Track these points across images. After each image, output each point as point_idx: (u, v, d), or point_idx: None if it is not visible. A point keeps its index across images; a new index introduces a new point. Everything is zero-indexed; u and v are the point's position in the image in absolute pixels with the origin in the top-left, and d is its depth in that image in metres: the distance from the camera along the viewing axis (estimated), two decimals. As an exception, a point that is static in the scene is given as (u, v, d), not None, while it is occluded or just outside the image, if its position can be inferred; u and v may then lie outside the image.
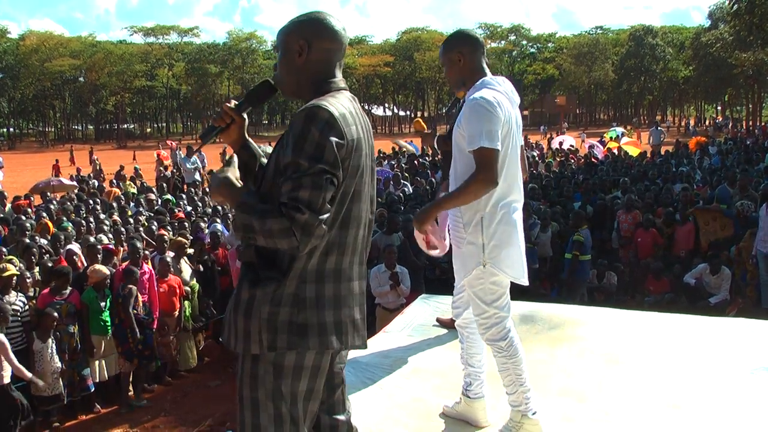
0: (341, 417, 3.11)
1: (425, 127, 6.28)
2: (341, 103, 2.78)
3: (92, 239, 11.46)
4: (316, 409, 2.93)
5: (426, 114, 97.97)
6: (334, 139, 2.65)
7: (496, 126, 3.70)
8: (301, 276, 2.76)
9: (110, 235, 12.30)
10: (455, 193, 3.81)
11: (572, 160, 27.14)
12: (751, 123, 69.84)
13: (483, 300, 3.92)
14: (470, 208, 3.83)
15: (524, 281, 3.95)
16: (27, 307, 8.93)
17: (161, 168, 32.01)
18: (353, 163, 2.75)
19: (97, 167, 34.26)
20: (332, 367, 3.00)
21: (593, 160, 26.45)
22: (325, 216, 2.64)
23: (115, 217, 14.93)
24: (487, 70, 4.01)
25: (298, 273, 2.75)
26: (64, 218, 14.70)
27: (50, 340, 8.77)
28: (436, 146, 6.03)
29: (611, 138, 37.74)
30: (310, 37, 2.91)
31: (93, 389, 9.40)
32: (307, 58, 2.92)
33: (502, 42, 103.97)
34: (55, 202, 18.33)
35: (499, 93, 3.83)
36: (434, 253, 4.17)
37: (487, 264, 3.83)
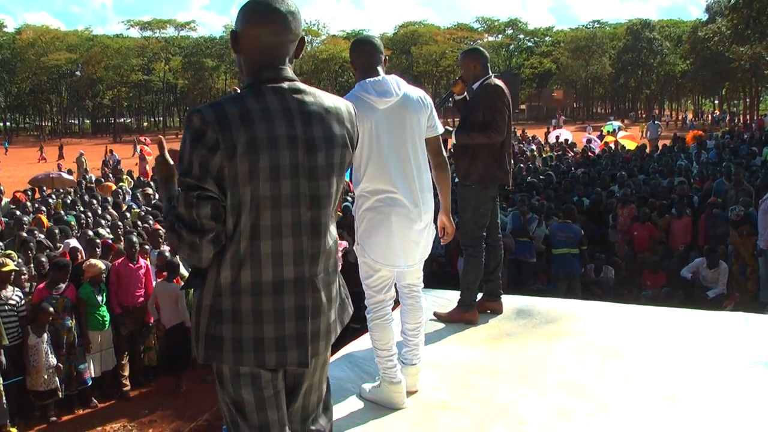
0: (296, 424, 2.92)
1: (464, 90, 6.25)
2: (237, 102, 2.56)
3: (91, 233, 11.46)
4: (278, 418, 2.75)
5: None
6: (202, 149, 2.49)
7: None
8: (216, 288, 2.64)
9: (108, 230, 12.28)
10: None
11: (569, 154, 27.13)
12: (748, 117, 69.84)
13: (361, 275, 4.38)
14: (359, 196, 4.25)
15: (398, 266, 4.30)
16: (23, 301, 8.92)
17: (144, 163, 32.07)
18: (241, 169, 2.50)
19: (84, 166, 34.09)
20: (297, 376, 2.87)
21: (590, 154, 26.45)
22: (209, 234, 2.55)
23: (112, 211, 14.93)
24: (380, 71, 4.29)
25: (212, 285, 2.65)
26: (62, 212, 14.71)
27: (45, 335, 8.77)
28: (455, 140, 6.04)
29: (608, 132, 37.75)
30: (238, 26, 2.72)
31: (90, 383, 9.40)
32: (240, 50, 2.74)
33: (500, 36, 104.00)
34: (53, 196, 18.35)
35: (363, 91, 4.16)
36: None
37: (359, 245, 4.29)
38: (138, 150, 39.53)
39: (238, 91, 2.71)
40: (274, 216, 2.59)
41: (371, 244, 4.21)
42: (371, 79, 4.22)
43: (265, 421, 2.73)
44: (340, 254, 4.23)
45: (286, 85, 2.67)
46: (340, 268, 2.98)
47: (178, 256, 9.96)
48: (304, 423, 2.93)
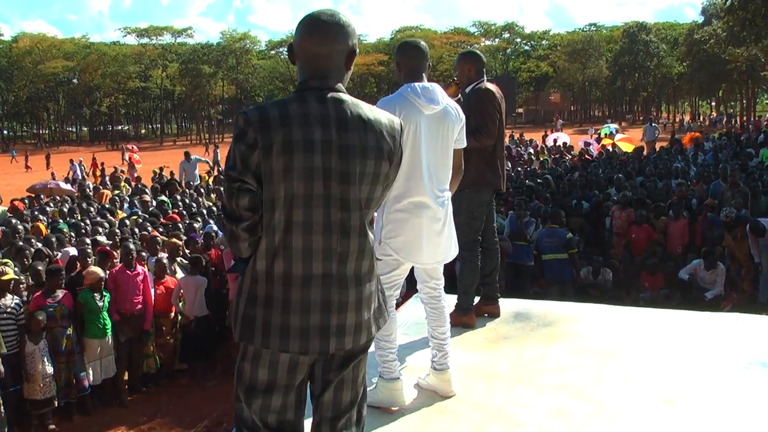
0: (325, 420, 3.02)
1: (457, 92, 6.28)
2: (279, 105, 2.77)
3: (88, 241, 11.46)
4: (281, 404, 2.91)
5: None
6: (242, 145, 2.71)
7: None
8: (253, 275, 2.84)
9: (104, 237, 12.27)
10: None
11: (567, 158, 27.14)
12: (744, 118, 69.93)
13: (378, 272, 4.25)
14: (389, 199, 4.24)
15: (424, 263, 4.44)
16: (22, 309, 8.92)
17: (133, 171, 32.14)
18: (277, 167, 2.69)
19: (79, 171, 34.10)
20: (326, 366, 2.98)
21: (587, 157, 26.46)
22: (245, 222, 2.77)
23: (110, 218, 14.93)
24: (423, 77, 4.44)
25: (251, 272, 2.85)
26: (61, 220, 14.72)
27: (42, 343, 8.76)
28: None
29: (605, 135, 37.76)
30: (294, 41, 2.94)
31: (89, 390, 9.40)
32: (295, 60, 2.95)
33: (496, 40, 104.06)
34: (51, 204, 18.34)
35: (398, 100, 4.26)
36: None
37: (382, 242, 4.26)
38: (127, 158, 39.57)
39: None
40: (306, 214, 2.76)
41: (397, 242, 4.27)
42: (420, 84, 4.35)
43: (267, 405, 2.90)
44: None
45: (328, 93, 2.84)
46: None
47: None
48: (334, 421, 3.03)
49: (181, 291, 10.79)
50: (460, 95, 6.03)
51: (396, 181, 4.04)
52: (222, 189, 2.81)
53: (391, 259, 4.30)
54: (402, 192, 4.21)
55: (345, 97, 2.88)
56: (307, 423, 3.04)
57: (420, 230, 4.27)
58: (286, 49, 3.04)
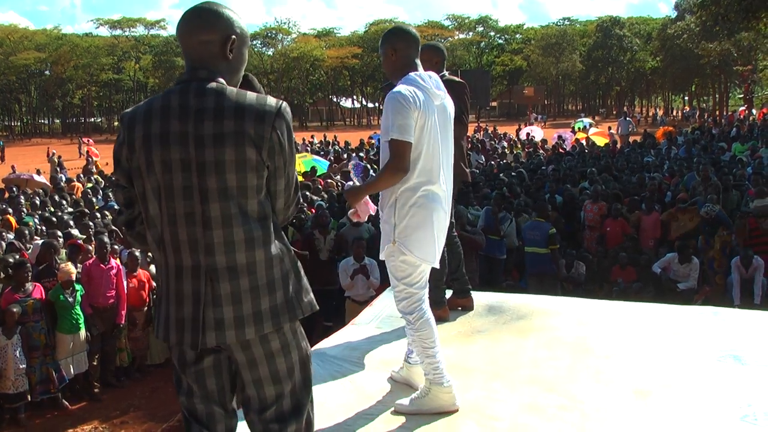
0: (256, 415, 3.02)
1: None
2: (147, 101, 2.88)
3: (60, 234, 11.38)
4: (198, 388, 3.02)
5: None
6: (115, 144, 2.87)
7: (407, 119, 3.95)
8: (157, 267, 3.02)
9: (77, 231, 12.18)
10: (372, 180, 4.27)
11: (540, 151, 27.25)
12: (717, 113, 70.48)
13: (395, 275, 4.27)
14: (388, 191, 4.14)
15: (432, 263, 4.26)
16: (-8, 303, 8.85)
17: (89, 165, 32.05)
18: (140, 162, 2.78)
19: (56, 163, 33.86)
20: (231, 362, 3.03)
21: (561, 150, 26.58)
22: (123, 216, 2.99)
23: (84, 210, 14.81)
24: (419, 66, 4.27)
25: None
26: (29, 213, 14.62)
27: (15, 337, 8.70)
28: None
29: (579, 129, 37.94)
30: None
31: (67, 381, 9.40)
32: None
33: (470, 33, 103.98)
34: (22, 197, 18.17)
35: (417, 88, 4.05)
36: (357, 219, 4.52)
37: (397, 242, 4.12)
38: (85, 151, 39.33)
39: None
40: (170, 207, 2.79)
41: (416, 241, 4.11)
42: (426, 72, 4.23)
43: (189, 388, 3.04)
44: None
45: (194, 84, 2.83)
46: (299, 264, 3.06)
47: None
48: (261, 413, 3.01)
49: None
50: None
51: (412, 175, 4.03)
52: None
53: (413, 257, 4.15)
54: (416, 184, 4.07)
55: (212, 86, 2.81)
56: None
57: (432, 227, 4.15)
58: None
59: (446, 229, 4.32)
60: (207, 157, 2.75)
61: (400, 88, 4.03)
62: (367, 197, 4.33)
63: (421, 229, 4.10)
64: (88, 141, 46.39)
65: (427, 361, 4.23)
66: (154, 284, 10.65)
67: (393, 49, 4.25)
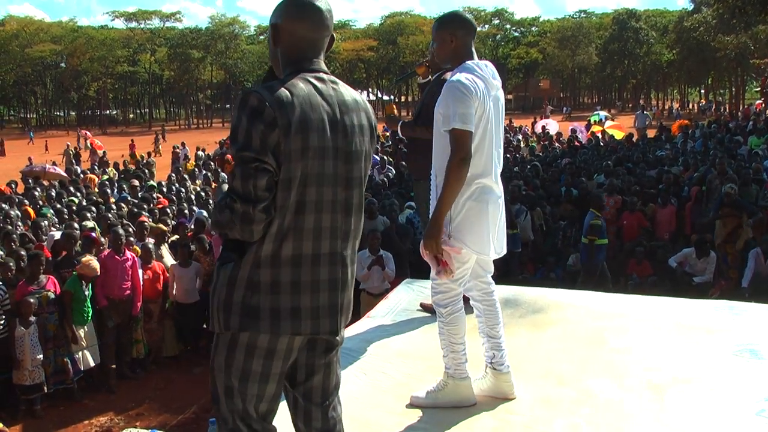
0: (316, 404, 3.08)
1: (396, 112, 6.21)
2: (287, 86, 2.75)
3: (77, 225, 11.41)
4: (273, 392, 2.94)
5: (409, 98, 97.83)
6: (260, 125, 2.67)
7: (469, 108, 3.85)
8: (255, 261, 2.79)
9: (92, 222, 12.22)
10: (442, 192, 3.92)
11: (556, 145, 27.17)
12: (733, 106, 70.09)
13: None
14: (440, 181, 3.98)
15: (490, 255, 4.20)
16: (8, 294, 8.88)
17: (95, 157, 32.19)
18: (294, 146, 2.69)
19: (71, 154, 34.04)
20: (311, 351, 3.01)
21: (576, 143, 26.49)
22: (262, 203, 2.69)
23: (99, 201, 14.91)
24: (474, 54, 4.16)
25: (251, 257, 2.79)
26: (39, 204, 14.70)
27: (32, 328, 8.73)
28: (400, 132, 6.00)
29: (595, 122, 37.77)
30: (279, 19, 2.93)
31: (82, 374, 9.44)
32: (280, 42, 2.95)
33: (486, 26, 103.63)
34: (38, 189, 18.28)
35: (477, 77, 3.96)
36: (446, 277, 4.10)
37: (452, 236, 4.00)
38: (89, 144, 39.43)
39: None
40: (318, 193, 2.79)
41: (470, 234, 4.01)
42: (483, 61, 4.16)
43: (261, 393, 2.90)
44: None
45: (324, 75, 2.90)
46: None
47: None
48: (323, 404, 3.10)
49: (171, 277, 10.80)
50: (430, 77, 5.97)
51: (470, 166, 3.91)
52: (233, 171, 2.75)
53: (463, 253, 4.05)
54: (472, 175, 3.95)
55: (332, 78, 2.94)
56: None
57: (488, 220, 4.05)
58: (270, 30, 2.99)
59: (502, 220, 4.21)
60: (352, 146, 2.90)
61: (460, 76, 3.96)
62: (451, 247, 4.02)
63: (476, 223, 4.02)
64: (86, 134, 46.55)
65: (452, 356, 4.21)
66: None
67: (453, 36, 4.15)
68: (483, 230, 4.04)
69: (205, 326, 10.83)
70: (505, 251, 4.32)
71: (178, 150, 33.90)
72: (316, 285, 2.85)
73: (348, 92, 2.95)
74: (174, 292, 10.80)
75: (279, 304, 2.79)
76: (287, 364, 2.92)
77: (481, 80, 3.97)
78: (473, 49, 4.18)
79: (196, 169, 24.30)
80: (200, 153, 31.44)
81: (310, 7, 2.89)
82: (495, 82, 4.09)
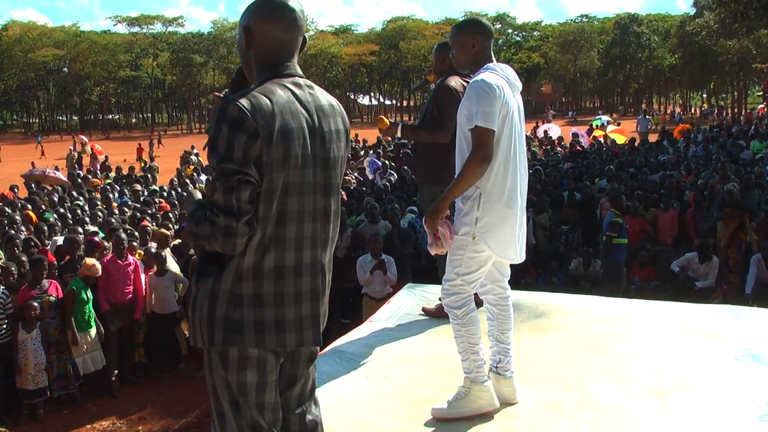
0: (293, 413, 3.06)
1: (387, 123, 6.21)
2: (266, 94, 2.70)
3: (80, 230, 11.43)
4: (274, 400, 2.91)
5: (411, 103, 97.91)
6: (242, 136, 2.61)
7: (492, 107, 3.87)
8: (237, 274, 2.74)
9: (94, 227, 12.24)
10: (457, 179, 3.98)
11: (558, 149, 27.15)
12: (736, 110, 70.09)
13: (456, 270, 4.09)
14: (486, 187, 3.98)
15: (513, 259, 4.17)
16: (9, 299, 8.88)
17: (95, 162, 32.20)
18: (276, 156, 2.64)
19: (74, 159, 34.05)
20: (293, 362, 2.99)
21: (578, 148, 26.48)
22: (246, 217, 2.64)
23: (101, 206, 14.92)
24: (494, 58, 4.22)
25: (233, 271, 2.74)
26: (42, 208, 14.71)
27: (35, 332, 8.74)
28: (400, 135, 5.99)
29: (597, 126, 37.75)
30: (250, 22, 2.87)
31: (82, 379, 9.44)
32: (253, 45, 2.89)
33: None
34: (39, 194, 18.29)
35: (500, 78, 4.01)
36: (435, 251, 4.18)
37: (476, 237, 3.99)
38: (88, 149, 39.36)
39: (220, 96, 2.85)
40: (299, 202, 2.76)
41: (495, 236, 4.00)
42: (502, 64, 4.19)
43: (262, 402, 2.87)
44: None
45: (301, 80, 2.86)
46: None
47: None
48: (299, 411, 3.07)
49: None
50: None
51: (494, 167, 3.93)
52: (213, 183, 2.68)
53: (484, 255, 4.04)
54: (498, 179, 3.97)
55: (308, 82, 2.91)
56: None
57: (513, 223, 4.06)
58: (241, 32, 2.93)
59: (524, 225, 4.20)
60: (330, 153, 2.87)
61: (484, 75, 3.99)
62: (449, 227, 4.09)
63: (500, 226, 4.01)
64: (83, 139, 46.55)
65: (472, 358, 4.13)
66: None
67: (474, 41, 4.18)
68: (507, 234, 4.05)
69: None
70: (524, 258, 4.27)
71: (189, 155, 33.65)
72: (299, 296, 2.82)
73: (324, 97, 2.92)
74: (153, 302, 10.51)
75: (263, 317, 2.76)
76: (278, 371, 2.90)
77: (504, 80, 4.01)
78: (492, 53, 4.22)
79: (195, 173, 24.28)
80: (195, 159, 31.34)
81: (282, 8, 2.84)
82: (517, 83, 4.14)
